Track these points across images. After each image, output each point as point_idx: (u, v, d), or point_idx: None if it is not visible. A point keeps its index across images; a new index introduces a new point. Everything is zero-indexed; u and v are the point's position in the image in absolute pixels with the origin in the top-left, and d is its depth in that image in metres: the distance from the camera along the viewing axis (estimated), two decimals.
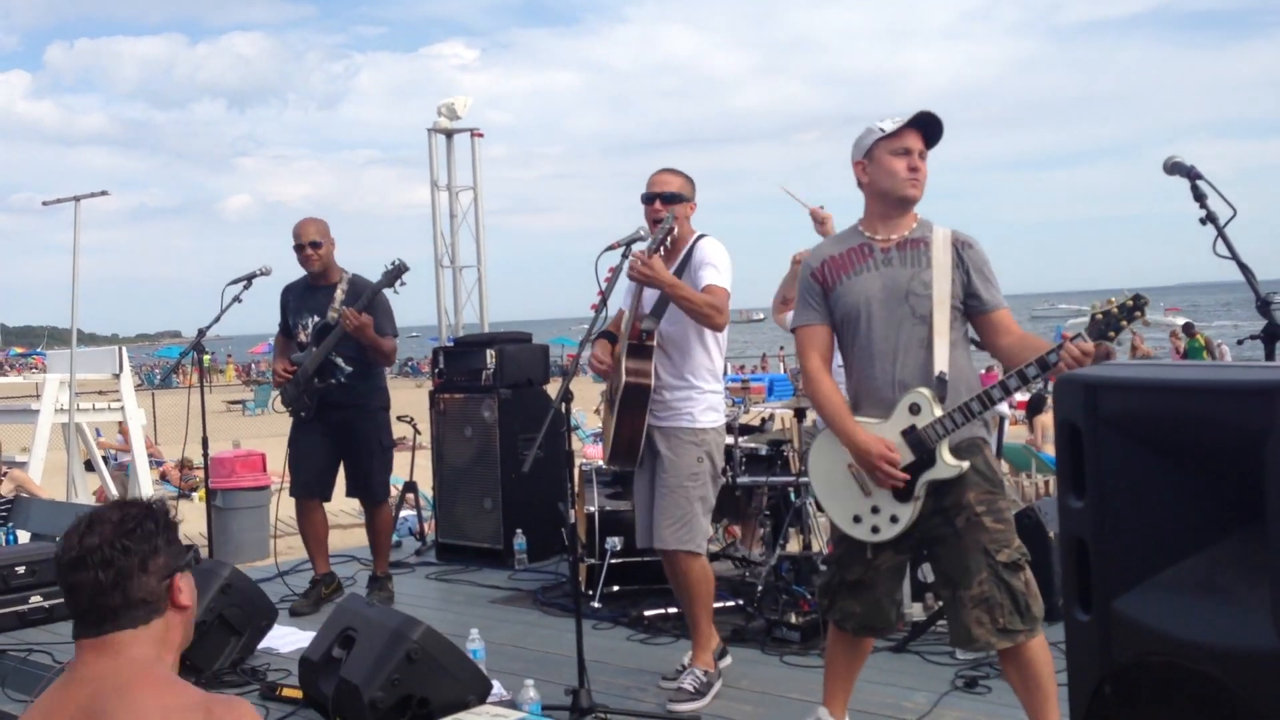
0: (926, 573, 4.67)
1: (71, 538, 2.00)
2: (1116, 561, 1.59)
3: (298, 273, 5.67)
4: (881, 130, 3.18)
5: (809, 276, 3.28)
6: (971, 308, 3.19)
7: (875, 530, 3.16)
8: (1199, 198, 3.17)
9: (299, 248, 5.54)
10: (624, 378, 4.03)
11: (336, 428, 5.56)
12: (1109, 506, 1.60)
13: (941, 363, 3.10)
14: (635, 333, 4.06)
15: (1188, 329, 22.99)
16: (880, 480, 3.09)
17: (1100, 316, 2.94)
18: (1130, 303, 2.92)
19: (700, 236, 4.17)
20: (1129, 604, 1.58)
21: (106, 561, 1.97)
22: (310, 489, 5.63)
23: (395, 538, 7.36)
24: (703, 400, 4.12)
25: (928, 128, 3.19)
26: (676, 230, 4.03)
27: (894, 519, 3.12)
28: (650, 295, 4.13)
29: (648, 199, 4.14)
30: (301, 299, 5.67)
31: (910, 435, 3.09)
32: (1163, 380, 1.61)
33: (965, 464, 3.07)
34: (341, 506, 7.20)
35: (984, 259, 3.22)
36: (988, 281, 3.19)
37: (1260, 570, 1.47)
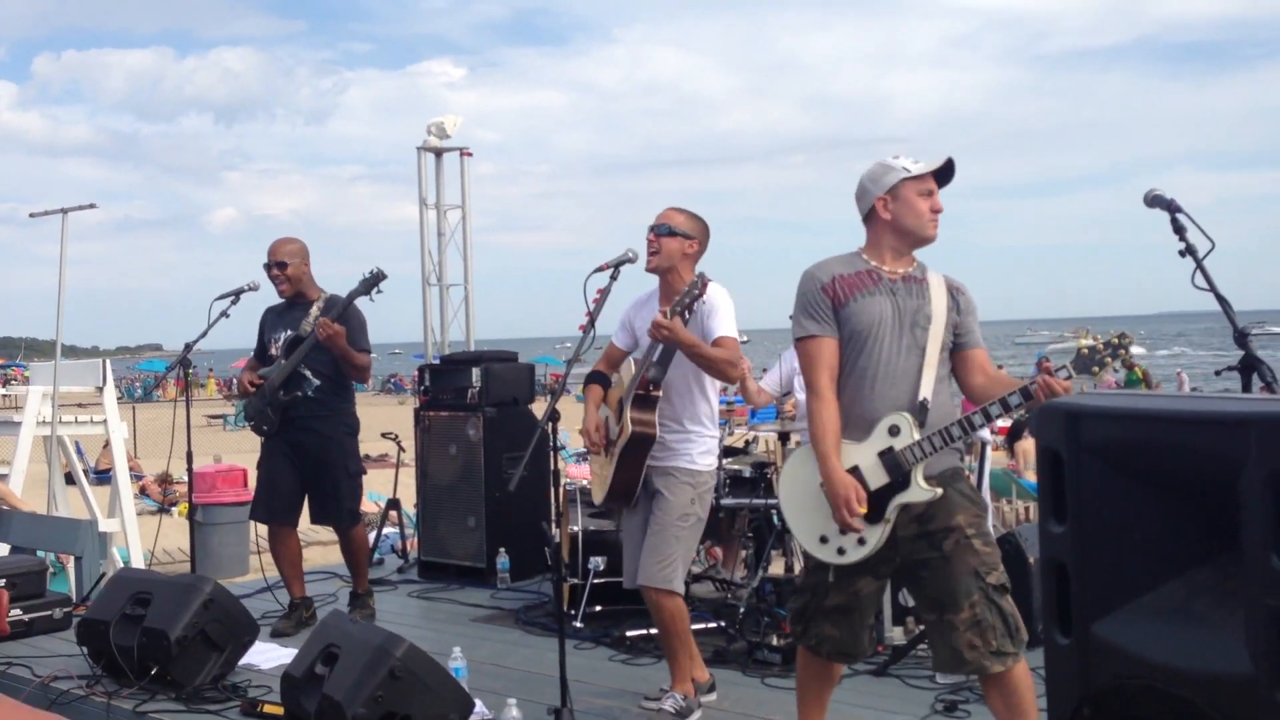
0: (907, 597, 4.69)
1: None
2: (1096, 586, 1.63)
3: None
4: (907, 170, 3.22)
5: (818, 290, 3.23)
6: (956, 344, 3.26)
7: (841, 552, 3.14)
8: (1178, 230, 3.23)
9: (266, 267, 5.50)
10: (630, 428, 4.06)
11: (303, 452, 5.50)
12: (1089, 532, 1.63)
13: (926, 390, 3.15)
14: (644, 383, 4.08)
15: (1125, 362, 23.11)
16: (838, 519, 3.10)
17: (1085, 351, 3.00)
18: (1116, 340, 3.00)
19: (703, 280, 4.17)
20: (1108, 628, 1.61)
21: None
22: (276, 515, 5.55)
23: (377, 555, 7.35)
24: (701, 443, 4.18)
25: (946, 173, 3.26)
26: (696, 288, 3.95)
27: (861, 541, 3.12)
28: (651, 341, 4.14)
29: (650, 231, 4.18)
30: (279, 317, 5.63)
31: (887, 457, 3.11)
32: (1142, 410, 1.65)
33: (939, 490, 3.09)
34: (320, 526, 7.19)
35: (973, 304, 3.31)
36: (975, 323, 3.30)
37: (1235, 597, 1.51)
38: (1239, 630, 1.50)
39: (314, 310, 5.45)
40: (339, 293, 5.58)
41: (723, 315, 4.06)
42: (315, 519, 5.67)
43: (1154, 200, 3.28)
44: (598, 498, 4.33)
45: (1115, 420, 1.65)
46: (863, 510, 3.07)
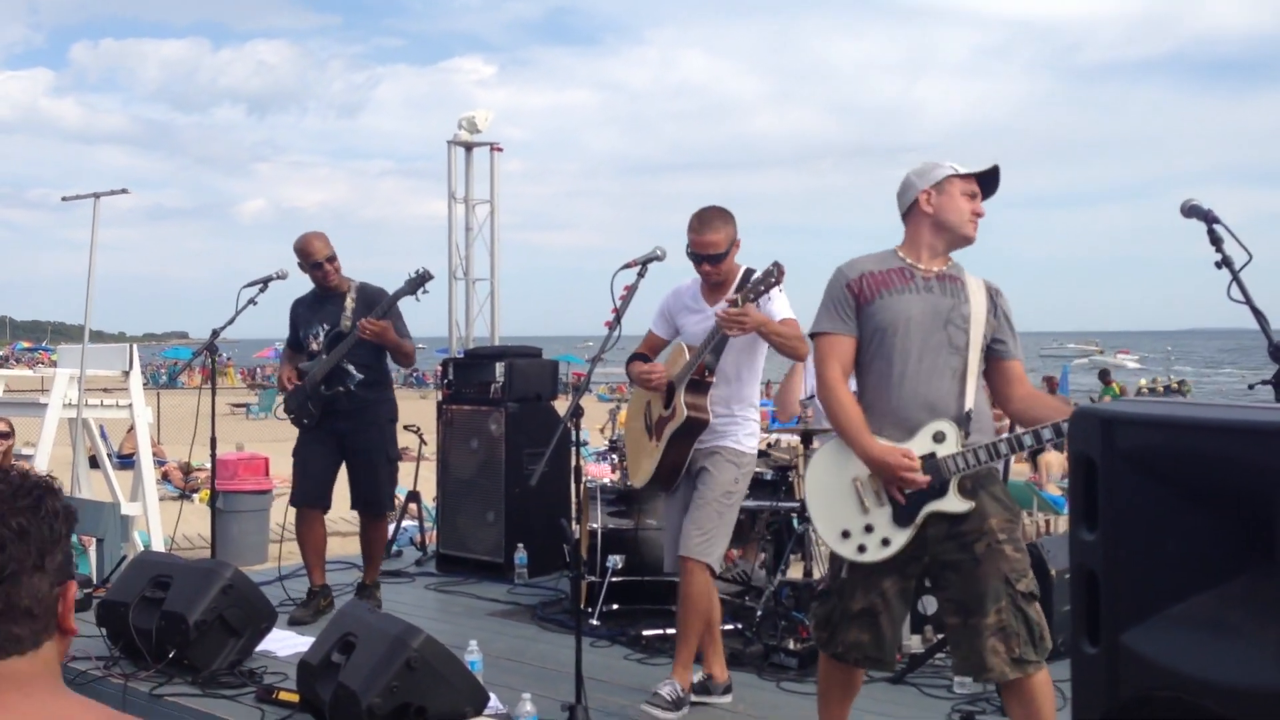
0: (926, 605, 4.66)
1: None
2: (1126, 595, 1.60)
3: (307, 284, 5.69)
4: (955, 169, 3.22)
5: (843, 287, 3.22)
6: (995, 352, 3.24)
7: (862, 549, 3.10)
8: (1215, 241, 3.18)
9: (316, 265, 5.53)
10: (685, 411, 4.10)
11: (343, 438, 5.56)
12: (1121, 540, 1.60)
13: (970, 399, 3.13)
14: (700, 369, 4.12)
15: (1103, 376, 23.13)
16: (904, 483, 3.03)
17: (1145, 391, 3.05)
18: (1175, 385, 3.07)
19: (750, 271, 4.19)
20: (1137, 638, 1.58)
21: None
22: (311, 498, 5.61)
23: (396, 547, 7.37)
24: (746, 426, 4.26)
25: (991, 181, 3.26)
26: (773, 276, 3.96)
27: (885, 542, 3.08)
28: (698, 328, 4.19)
29: (695, 259, 4.17)
30: (312, 310, 5.68)
31: (929, 462, 3.07)
32: (1179, 417, 1.62)
33: (972, 503, 3.06)
34: (341, 514, 7.20)
35: (1010, 309, 3.29)
36: (1012, 331, 3.28)
37: (1270, 610, 1.48)
38: (1273, 644, 1.47)
39: (349, 303, 5.50)
40: (367, 280, 5.65)
41: (780, 300, 4.09)
42: (354, 504, 5.71)
43: (1191, 210, 3.23)
44: (638, 480, 4.38)
45: (1151, 427, 1.62)
46: (918, 465, 3.04)
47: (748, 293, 3.90)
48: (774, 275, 3.92)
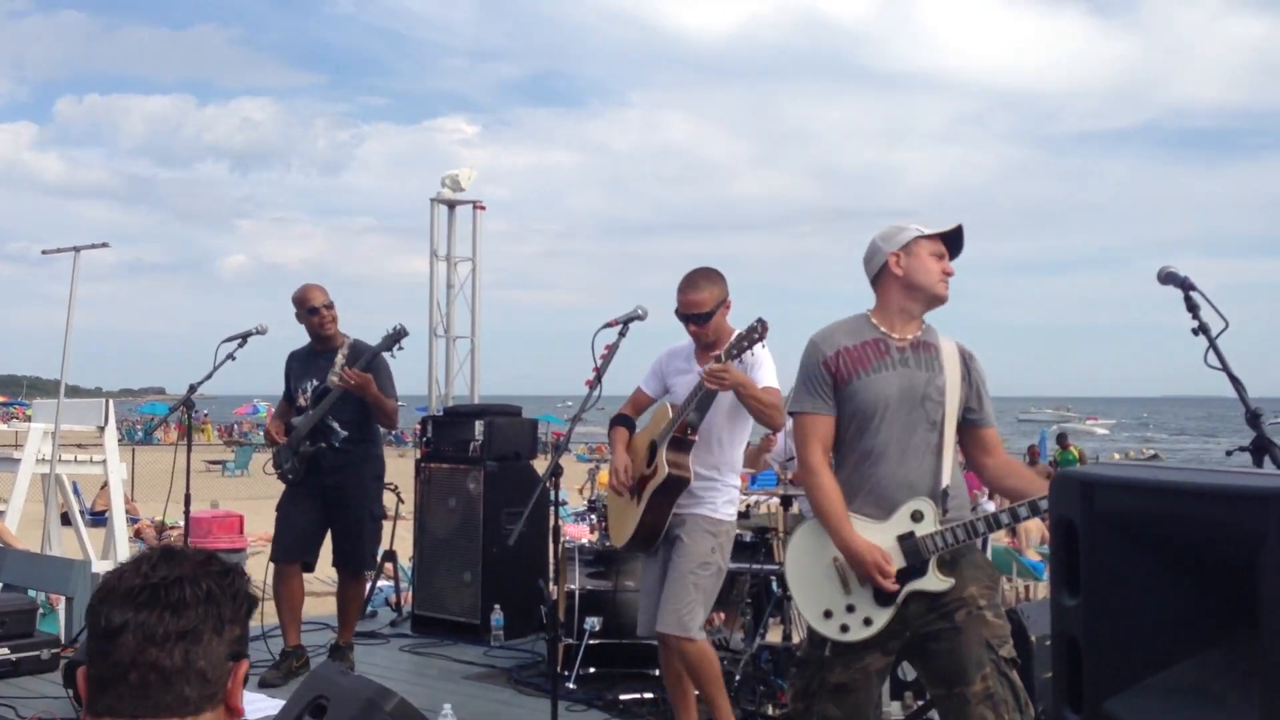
0: (907, 671, 4.62)
1: (136, 567, 1.47)
2: (1108, 662, 1.59)
3: (294, 336, 5.69)
4: (920, 230, 3.21)
5: (819, 364, 3.19)
6: (968, 420, 3.23)
7: (844, 629, 3.08)
8: (1192, 308, 3.21)
9: (313, 310, 5.55)
10: (665, 469, 4.06)
11: (327, 493, 5.52)
12: (1103, 606, 1.59)
13: (947, 475, 3.11)
14: (682, 427, 4.09)
15: (1061, 440, 23.25)
16: (874, 583, 3.04)
17: None
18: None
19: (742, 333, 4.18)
20: (1120, 706, 1.57)
21: (180, 603, 1.42)
22: (291, 553, 5.55)
23: (371, 607, 7.28)
24: (725, 492, 4.22)
25: (956, 241, 3.25)
26: (757, 332, 3.96)
27: (867, 621, 3.07)
28: (687, 388, 4.16)
29: (682, 319, 4.18)
30: (304, 365, 5.68)
31: (907, 541, 3.06)
32: (1160, 481, 1.62)
33: (951, 580, 3.05)
34: (316, 573, 7.12)
35: (984, 375, 3.27)
36: (986, 396, 3.26)
37: (1251, 677, 1.47)
38: (1254, 712, 1.46)
39: (339, 358, 5.51)
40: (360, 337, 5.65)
41: (767, 368, 4.10)
42: (335, 561, 5.66)
43: (1168, 277, 3.26)
44: (619, 540, 4.33)
45: (1131, 491, 1.62)
46: (894, 569, 3.03)
47: (730, 348, 3.91)
48: (757, 331, 3.91)
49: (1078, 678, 1.62)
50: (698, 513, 4.14)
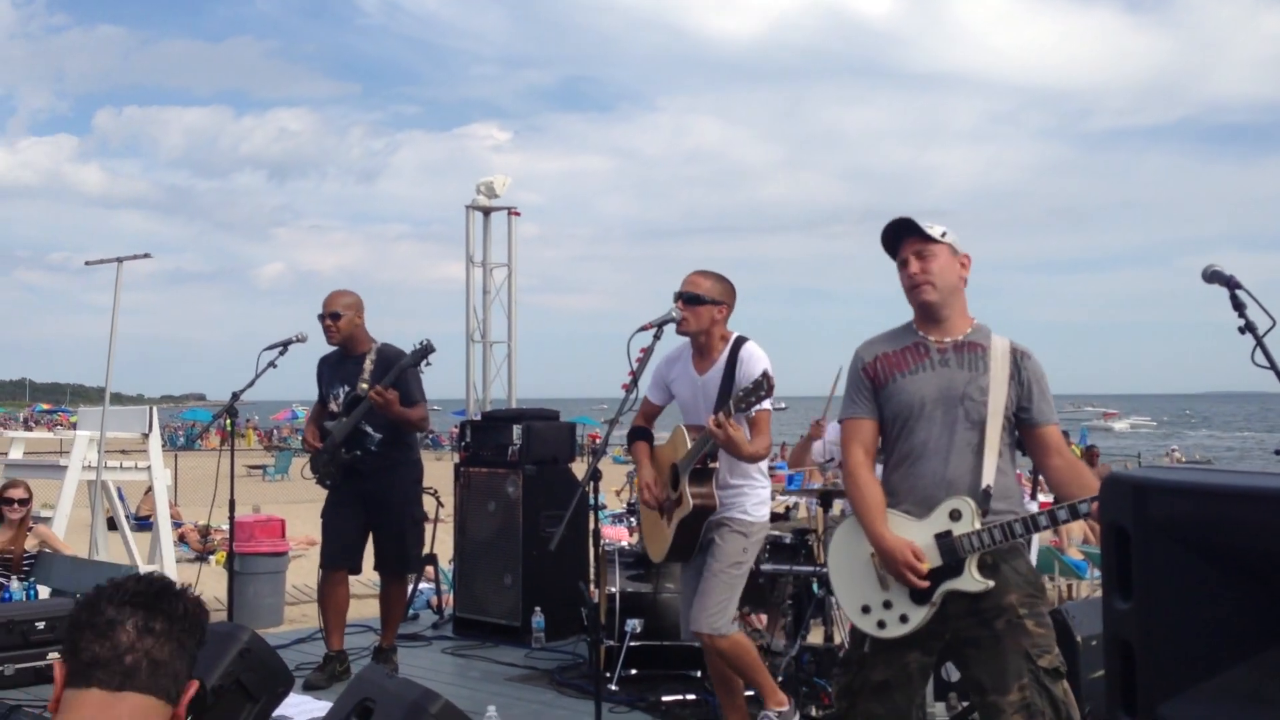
0: (950, 671, 4.59)
1: (129, 579, 1.75)
2: (1163, 666, 1.57)
3: (325, 346, 5.74)
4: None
5: (859, 371, 3.27)
6: (1021, 420, 3.20)
7: (881, 625, 3.10)
8: (1238, 306, 3.17)
9: (320, 318, 5.60)
10: (691, 502, 4.12)
11: (368, 499, 5.56)
12: (1156, 610, 1.58)
13: (989, 475, 3.09)
14: (702, 459, 4.13)
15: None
16: (903, 581, 3.06)
17: None
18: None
19: (740, 340, 4.20)
20: (1174, 710, 1.55)
21: (173, 612, 1.73)
22: (337, 560, 5.60)
23: (412, 610, 7.33)
24: (755, 494, 4.26)
25: (903, 234, 3.21)
26: (763, 389, 3.95)
27: (904, 619, 3.07)
28: (691, 395, 4.27)
29: (676, 295, 4.21)
30: (334, 369, 5.72)
31: (944, 540, 3.05)
32: (1212, 485, 1.60)
33: (990, 583, 3.03)
34: (360, 577, 7.19)
35: (1041, 372, 3.23)
36: (1042, 394, 3.20)
37: None
38: None
39: (368, 364, 5.53)
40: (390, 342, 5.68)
41: (764, 424, 4.13)
42: (378, 564, 5.70)
43: (1213, 276, 3.22)
44: (655, 556, 4.41)
45: (1184, 495, 1.60)
46: (925, 567, 3.02)
47: (738, 402, 3.92)
48: (763, 388, 3.91)
49: (1131, 682, 1.60)
50: (730, 515, 4.20)
